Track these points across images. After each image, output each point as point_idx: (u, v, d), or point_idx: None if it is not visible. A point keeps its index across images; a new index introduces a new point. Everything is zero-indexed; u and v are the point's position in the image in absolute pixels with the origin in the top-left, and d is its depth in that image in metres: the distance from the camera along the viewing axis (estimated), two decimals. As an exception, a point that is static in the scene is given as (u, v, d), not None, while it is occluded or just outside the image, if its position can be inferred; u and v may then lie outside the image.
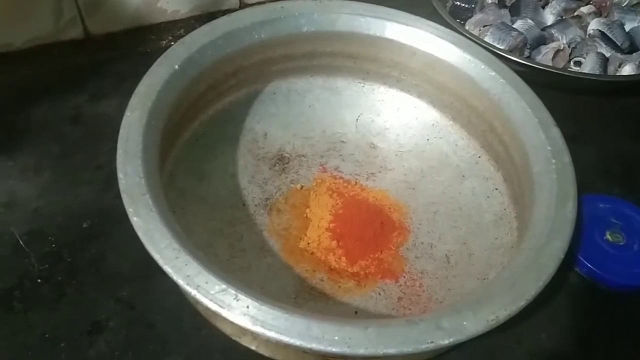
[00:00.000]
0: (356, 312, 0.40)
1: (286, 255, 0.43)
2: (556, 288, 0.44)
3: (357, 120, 0.52)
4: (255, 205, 0.45)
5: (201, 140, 0.47)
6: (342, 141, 0.51)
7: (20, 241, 0.42)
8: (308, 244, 0.43)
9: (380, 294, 0.41)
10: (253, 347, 0.38)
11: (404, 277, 0.42)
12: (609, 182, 0.53)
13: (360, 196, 0.47)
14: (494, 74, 0.46)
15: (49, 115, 0.51)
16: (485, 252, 0.43)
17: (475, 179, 0.48)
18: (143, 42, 0.59)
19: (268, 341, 0.36)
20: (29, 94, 0.52)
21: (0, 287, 0.40)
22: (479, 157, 0.48)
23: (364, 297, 0.41)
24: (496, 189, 0.46)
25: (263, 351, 0.38)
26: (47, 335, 0.38)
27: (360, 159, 0.50)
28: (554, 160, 0.40)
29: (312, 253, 0.43)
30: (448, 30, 0.49)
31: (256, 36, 0.46)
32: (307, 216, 0.45)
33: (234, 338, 0.38)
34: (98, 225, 0.44)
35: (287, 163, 0.48)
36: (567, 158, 0.41)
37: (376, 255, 0.43)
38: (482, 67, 0.46)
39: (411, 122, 0.51)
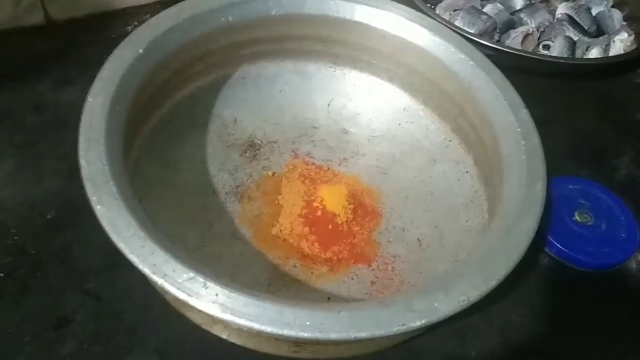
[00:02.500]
0: (329, 298, 0.40)
1: (258, 243, 0.42)
2: (526, 269, 0.44)
3: (328, 105, 0.51)
4: (226, 192, 0.44)
5: (168, 127, 0.45)
6: (314, 127, 0.50)
7: (-19, 234, 0.41)
8: (280, 230, 0.43)
9: (353, 279, 0.41)
10: (224, 336, 0.37)
11: (377, 261, 0.42)
12: (578, 163, 0.53)
13: (333, 182, 0.46)
14: (463, 56, 0.46)
15: (11, 104, 0.49)
16: (457, 235, 0.43)
17: (446, 162, 0.48)
18: (107, 27, 0.58)
19: (239, 329, 0.35)
20: (-11, 82, 0.50)
21: (-40, 282, 0.38)
22: (450, 140, 0.48)
23: (337, 283, 0.40)
24: (467, 172, 0.46)
25: (234, 340, 0.37)
26: (10, 331, 0.36)
27: (332, 144, 0.49)
28: (523, 142, 0.41)
29: (285, 240, 0.42)
30: (418, 13, 0.48)
31: (224, 19, 0.45)
32: (279, 203, 0.44)
33: (204, 327, 0.37)
34: (63, 216, 0.42)
35: (258, 149, 0.48)
36: (536, 139, 0.41)
37: (349, 241, 0.43)
38: (452, 49, 0.46)
39: (383, 106, 0.51)
